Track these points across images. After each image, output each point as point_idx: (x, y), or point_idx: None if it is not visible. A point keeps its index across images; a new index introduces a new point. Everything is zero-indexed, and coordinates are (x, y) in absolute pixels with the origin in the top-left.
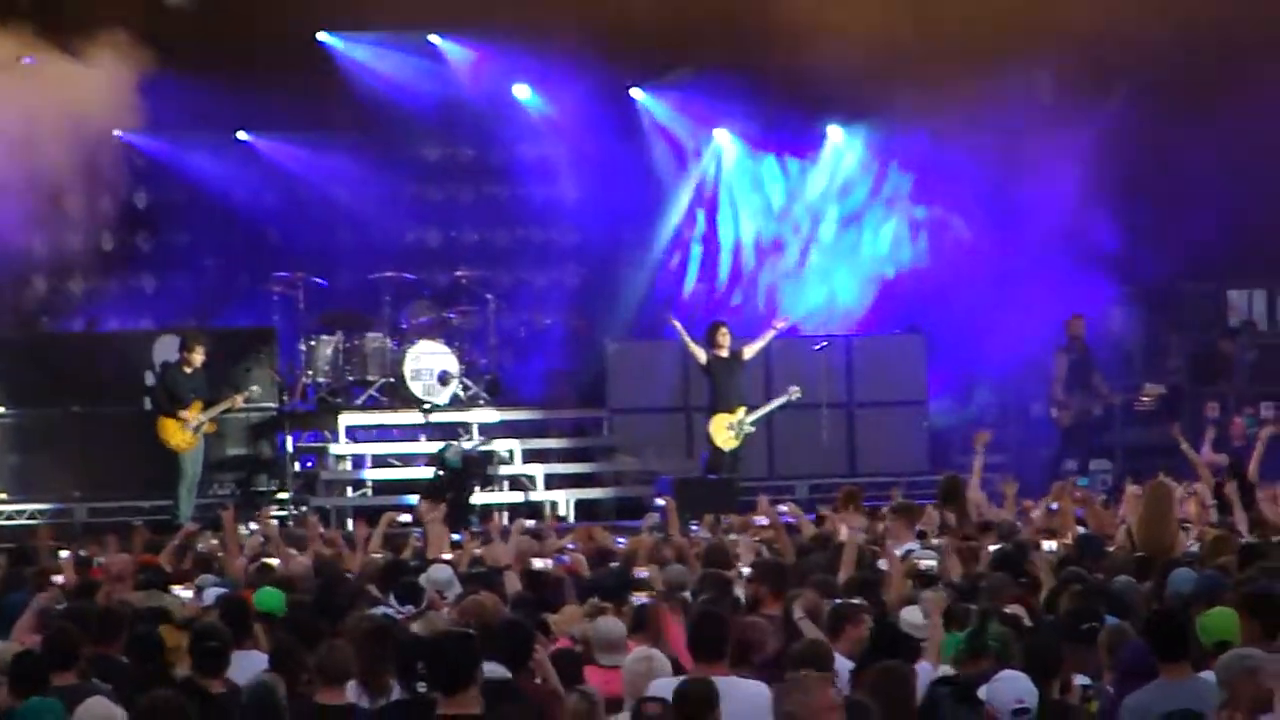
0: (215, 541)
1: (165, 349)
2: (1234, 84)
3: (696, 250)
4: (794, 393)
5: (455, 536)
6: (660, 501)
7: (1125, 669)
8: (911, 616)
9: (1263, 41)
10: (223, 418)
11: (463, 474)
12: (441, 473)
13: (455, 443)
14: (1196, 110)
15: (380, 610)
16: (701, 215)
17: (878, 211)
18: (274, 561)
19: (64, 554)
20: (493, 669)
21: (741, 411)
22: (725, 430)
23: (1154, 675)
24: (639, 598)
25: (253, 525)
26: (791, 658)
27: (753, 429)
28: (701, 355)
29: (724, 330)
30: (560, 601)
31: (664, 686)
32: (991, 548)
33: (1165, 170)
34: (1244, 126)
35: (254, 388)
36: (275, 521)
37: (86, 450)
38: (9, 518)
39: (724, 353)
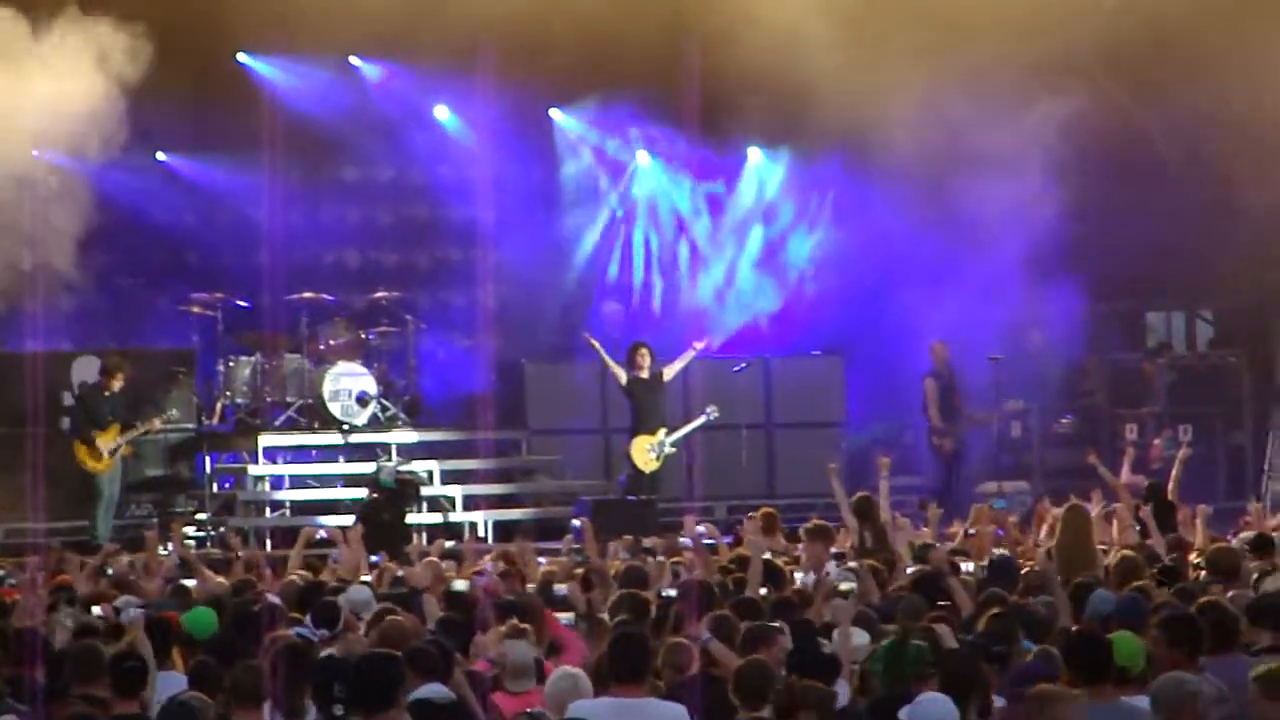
0: (129, 563)
1: (83, 370)
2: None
3: (615, 271)
4: (712, 412)
5: (373, 558)
6: (577, 523)
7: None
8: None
9: (1182, 67)
10: (141, 438)
11: (398, 494)
12: (375, 494)
13: (388, 463)
14: (1119, 132)
15: (295, 632)
16: (620, 236)
17: (801, 232)
18: (190, 583)
19: None
20: (435, 690)
21: (662, 433)
22: (646, 452)
23: None
24: (562, 618)
25: (169, 546)
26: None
27: (673, 450)
28: (622, 376)
29: (644, 351)
30: (480, 623)
31: (584, 707)
32: (909, 569)
33: (1086, 192)
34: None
35: (173, 411)
36: (191, 542)
37: (4, 472)
38: None
39: (644, 374)
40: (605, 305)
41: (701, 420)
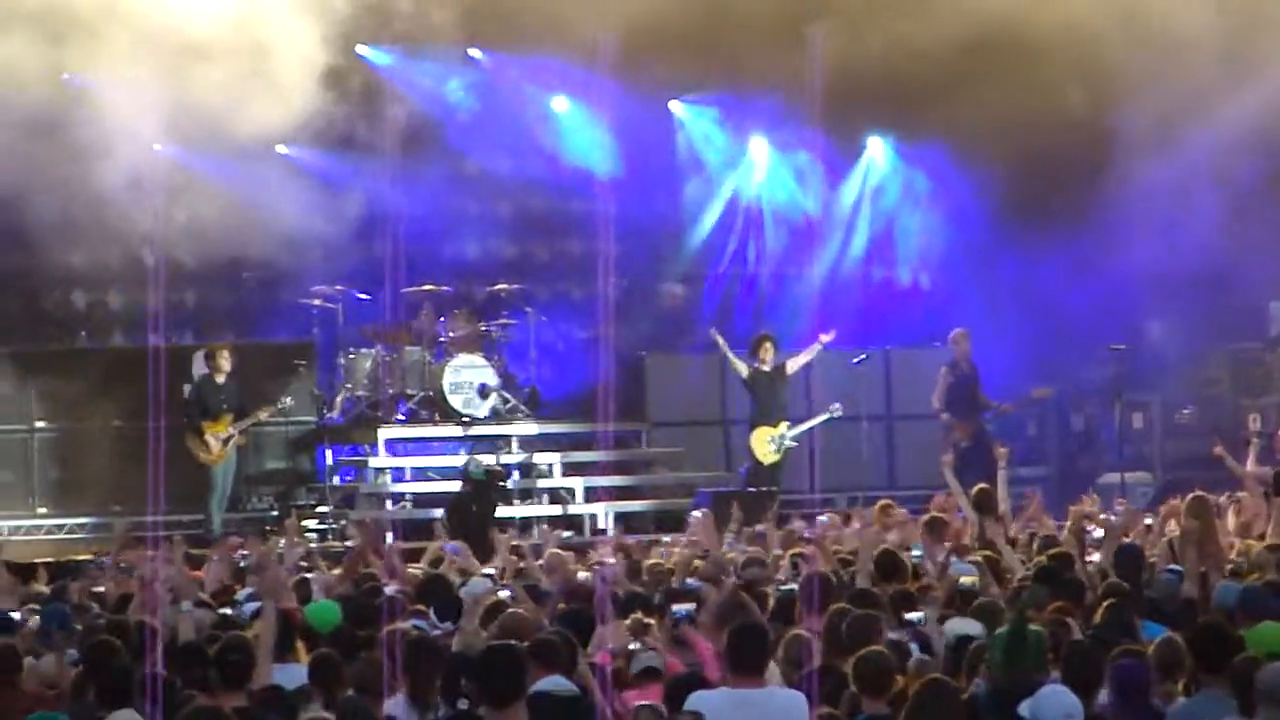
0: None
1: (205, 363)
2: None
3: (736, 262)
4: (835, 410)
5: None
6: (697, 514)
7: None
8: (958, 628)
9: None
10: (262, 431)
11: (487, 486)
12: (465, 485)
13: (477, 456)
14: None
15: (413, 624)
16: (739, 225)
17: (920, 222)
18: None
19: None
20: (557, 683)
21: (784, 426)
22: (766, 444)
23: (1146, 695)
24: (680, 609)
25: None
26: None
27: (794, 444)
28: (743, 369)
29: (768, 344)
30: (599, 615)
31: (703, 699)
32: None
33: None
34: None
35: (285, 400)
36: (312, 535)
37: (127, 464)
38: (49, 531)
39: (766, 366)
40: (667, 288)
41: (825, 417)
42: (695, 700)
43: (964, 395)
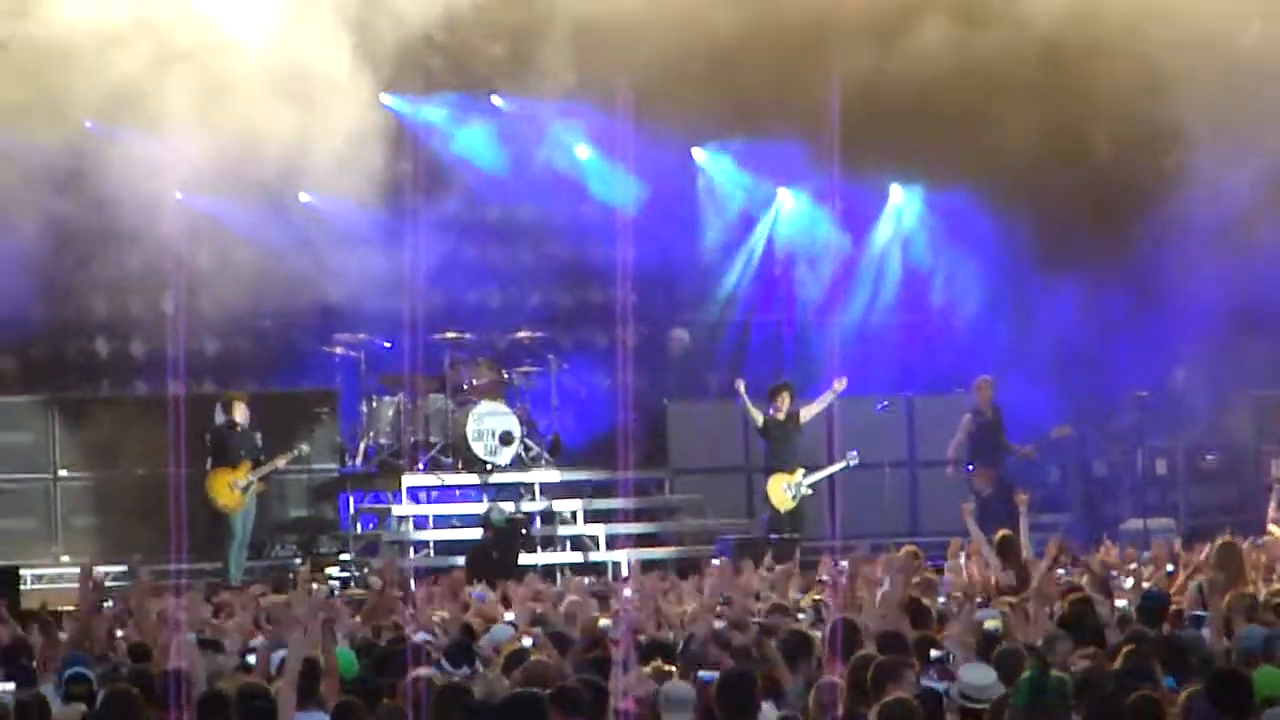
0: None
1: (222, 411)
2: None
3: (757, 309)
4: (851, 459)
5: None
6: (715, 563)
7: None
8: (973, 677)
9: None
10: (284, 479)
11: (508, 533)
12: (487, 533)
13: (499, 503)
14: None
15: (427, 672)
16: (762, 273)
17: (942, 269)
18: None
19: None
20: None
21: (800, 473)
22: (782, 491)
23: None
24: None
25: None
26: None
27: (810, 491)
28: (759, 417)
29: (785, 394)
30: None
31: None
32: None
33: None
34: None
35: (303, 447)
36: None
37: (149, 512)
38: (71, 580)
39: (781, 415)
40: (673, 334)
41: (841, 465)
42: None
43: (986, 442)
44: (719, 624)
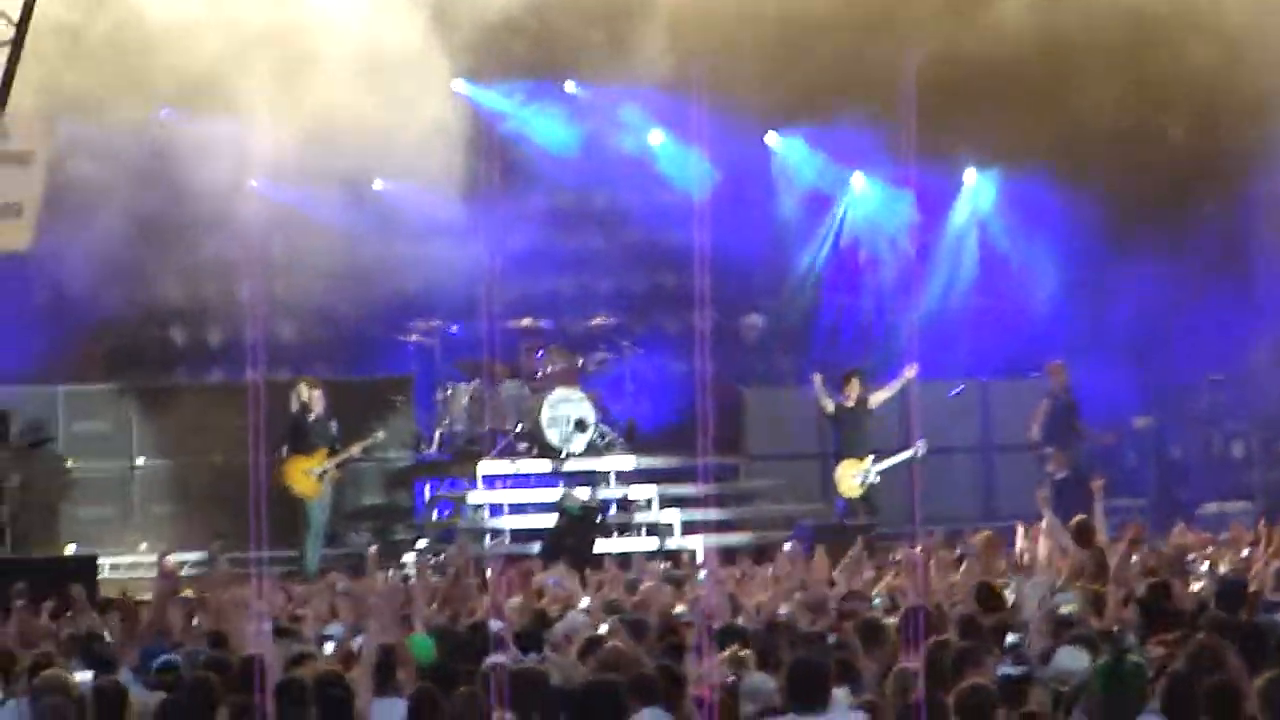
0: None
1: (297, 398)
2: None
3: (832, 294)
4: (920, 448)
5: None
6: (787, 547)
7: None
8: (1066, 661)
9: None
10: (359, 467)
11: (582, 521)
12: (562, 520)
13: (573, 490)
14: None
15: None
16: (837, 257)
17: (1017, 251)
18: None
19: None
20: (654, 715)
21: (869, 460)
22: (850, 478)
23: None
24: None
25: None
26: None
27: (878, 479)
28: (829, 405)
29: (855, 380)
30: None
31: None
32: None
33: None
34: None
35: (378, 434)
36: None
37: (226, 500)
38: (149, 568)
39: (850, 402)
40: (747, 319)
41: (910, 454)
42: None
43: (1062, 426)
44: (784, 609)
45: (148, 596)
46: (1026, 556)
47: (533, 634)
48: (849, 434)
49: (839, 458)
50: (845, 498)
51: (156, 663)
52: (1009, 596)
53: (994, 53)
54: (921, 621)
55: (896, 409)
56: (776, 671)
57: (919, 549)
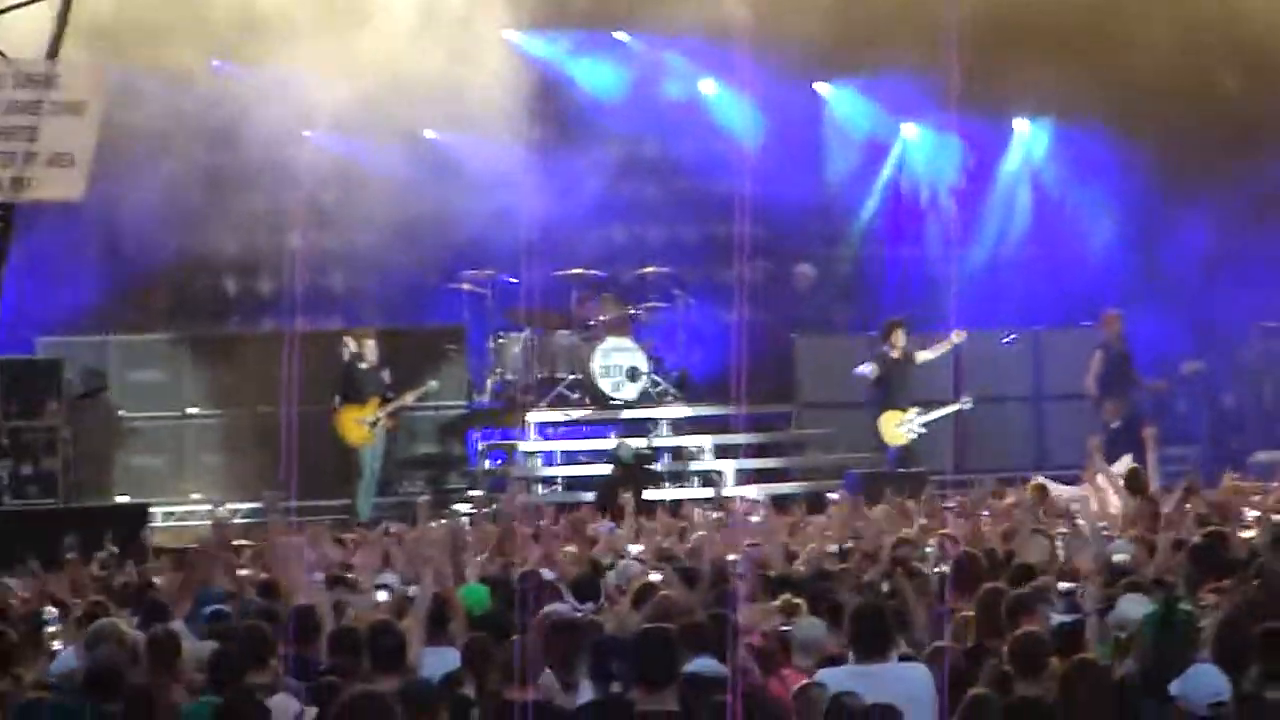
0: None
1: (350, 347)
2: None
3: (885, 243)
4: (966, 402)
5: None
6: (834, 495)
7: None
8: (1128, 609)
9: None
10: (412, 416)
11: (635, 470)
12: (615, 469)
13: (626, 439)
14: None
15: (558, 608)
16: (889, 207)
17: (1069, 201)
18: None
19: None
20: (706, 664)
21: (913, 411)
22: (894, 428)
23: None
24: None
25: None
26: None
27: (923, 430)
28: (873, 371)
29: (899, 331)
30: (749, 595)
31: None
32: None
33: None
34: None
35: (432, 383)
36: (464, 519)
37: (279, 449)
38: (203, 517)
39: (896, 353)
40: (798, 268)
41: (955, 408)
42: (827, 675)
43: (1116, 375)
44: (830, 555)
45: (196, 545)
46: (1077, 506)
47: (589, 583)
48: (893, 385)
49: (883, 408)
50: (892, 446)
51: (208, 612)
52: (1059, 547)
53: (1045, 1)
54: (968, 569)
55: (949, 359)
56: (830, 619)
57: (971, 498)
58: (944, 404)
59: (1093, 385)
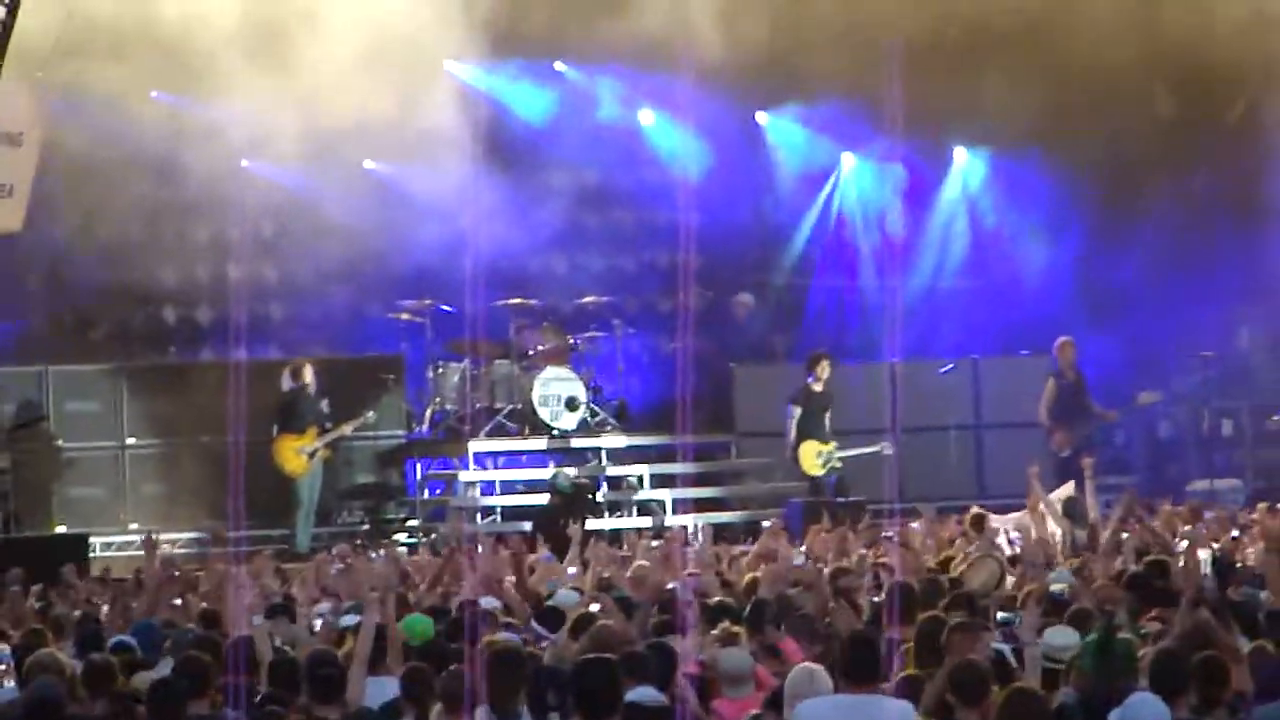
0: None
1: (289, 377)
2: None
3: (822, 273)
4: (885, 448)
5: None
6: (767, 523)
7: (1261, 689)
8: (1056, 639)
9: None
10: (351, 445)
11: (574, 499)
12: (553, 498)
13: (564, 469)
14: None
15: (504, 636)
16: (827, 237)
17: (1006, 232)
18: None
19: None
20: (646, 694)
21: (833, 445)
22: (814, 458)
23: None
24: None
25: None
26: None
27: (840, 465)
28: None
29: (824, 363)
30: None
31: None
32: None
33: None
34: None
35: (369, 414)
36: (404, 549)
37: (217, 479)
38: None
39: (819, 386)
40: (737, 298)
41: (874, 450)
42: (805, 709)
43: (1070, 404)
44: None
45: (133, 575)
46: (1018, 534)
47: (555, 612)
48: (816, 417)
49: (803, 437)
50: (809, 476)
51: (113, 641)
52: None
53: (980, 25)
54: (899, 599)
55: (887, 388)
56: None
57: (910, 526)
58: (865, 446)
59: (1044, 414)
